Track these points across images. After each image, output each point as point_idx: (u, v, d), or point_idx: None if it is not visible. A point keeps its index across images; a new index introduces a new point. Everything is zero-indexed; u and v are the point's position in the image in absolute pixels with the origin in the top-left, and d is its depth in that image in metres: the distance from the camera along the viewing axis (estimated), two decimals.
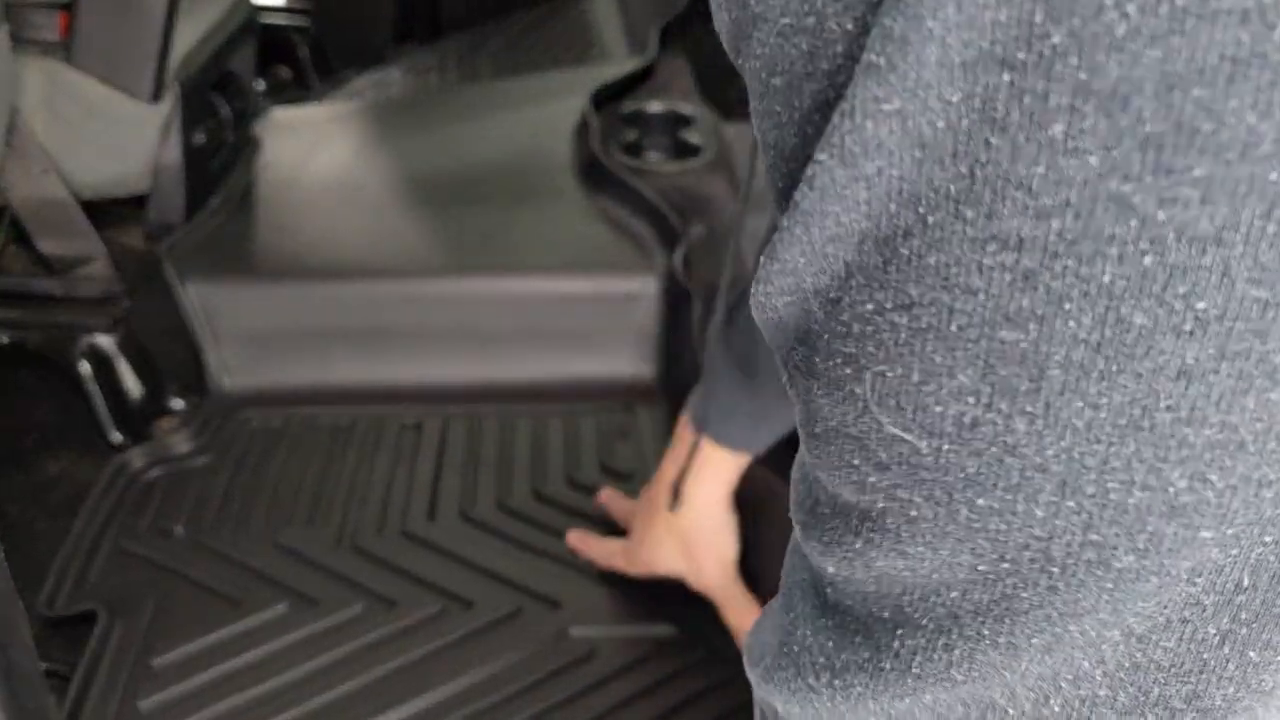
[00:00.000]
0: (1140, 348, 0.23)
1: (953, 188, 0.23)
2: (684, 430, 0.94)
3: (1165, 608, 0.26)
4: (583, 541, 1.05)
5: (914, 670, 0.29)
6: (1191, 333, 0.22)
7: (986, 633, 0.28)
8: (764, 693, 0.37)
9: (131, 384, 1.25)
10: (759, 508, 1.00)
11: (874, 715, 0.31)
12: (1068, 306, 0.23)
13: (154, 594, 1.01)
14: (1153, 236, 0.22)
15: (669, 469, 0.95)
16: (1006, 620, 0.27)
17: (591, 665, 0.94)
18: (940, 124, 0.23)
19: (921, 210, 0.24)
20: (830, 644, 0.32)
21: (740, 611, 0.94)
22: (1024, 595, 0.27)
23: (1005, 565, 0.27)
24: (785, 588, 0.36)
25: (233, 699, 0.91)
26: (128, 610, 0.99)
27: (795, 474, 0.34)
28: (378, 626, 0.97)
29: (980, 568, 0.27)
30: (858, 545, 0.29)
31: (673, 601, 1.00)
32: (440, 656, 0.94)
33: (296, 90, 2.20)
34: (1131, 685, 0.28)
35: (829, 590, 0.32)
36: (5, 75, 1.17)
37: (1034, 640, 0.27)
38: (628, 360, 1.31)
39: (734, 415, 0.88)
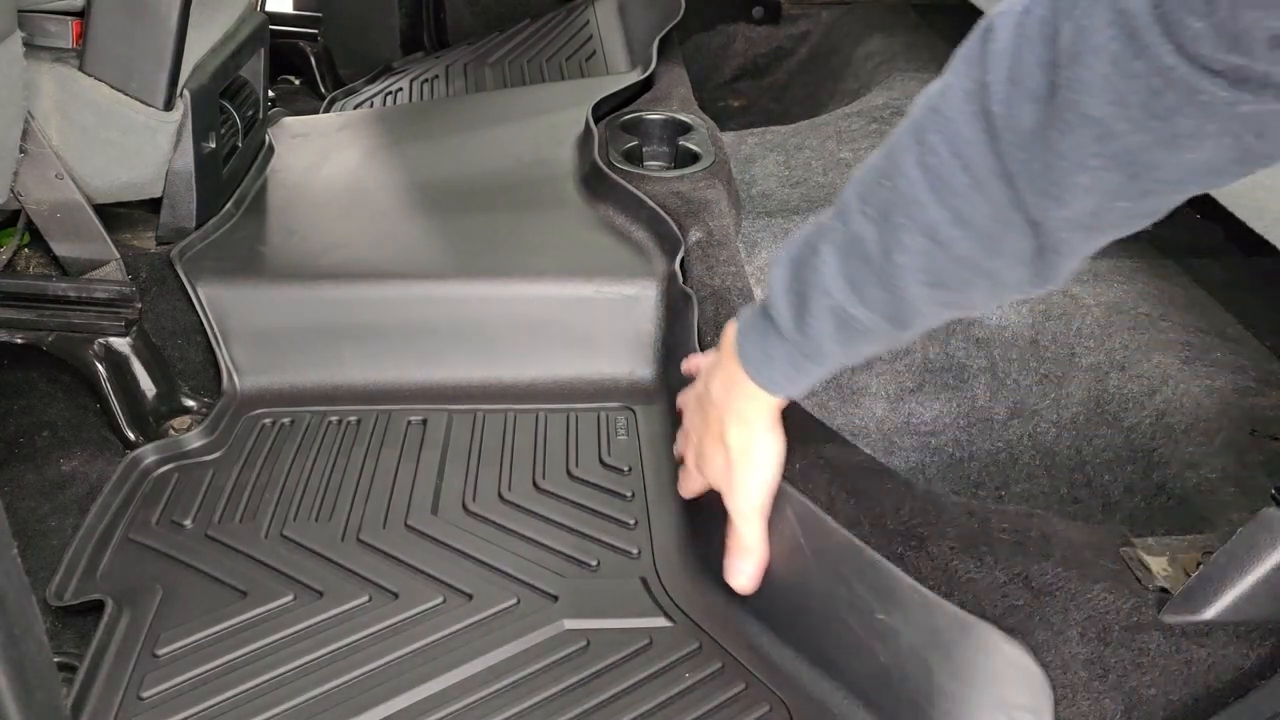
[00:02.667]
0: None
1: None
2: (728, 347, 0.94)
3: None
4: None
5: None
6: None
7: None
8: None
9: (145, 384, 1.28)
10: None
11: None
12: None
13: (162, 585, 1.03)
14: None
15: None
16: None
17: (587, 656, 0.96)
18: None
19: None
20: None
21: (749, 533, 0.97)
22: None
23: None
24: None
25: (237, 687, 0.93)
26: (135, 600, 1.01)
27: None
28: (381, 617, 0.99)
29: None
30: None
31: (666, 594, 1.03)
32: (440, 647, 0.97)
33: (306, 98, 2.23)
34: None
35: None
36: (19, 82, 1.20)
37: None
38: (628, 361, 1.34)
39: (774, 361, 0.88)
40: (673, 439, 1.23)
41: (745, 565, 0.97)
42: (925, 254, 0.73)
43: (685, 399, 1.04)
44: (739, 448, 0.94)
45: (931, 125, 0.70)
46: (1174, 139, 0.59)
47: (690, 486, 1.04)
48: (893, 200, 0.73)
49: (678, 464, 1.08)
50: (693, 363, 1.09)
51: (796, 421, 1.05)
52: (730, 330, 0.93)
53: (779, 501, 0.98)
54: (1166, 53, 0.55)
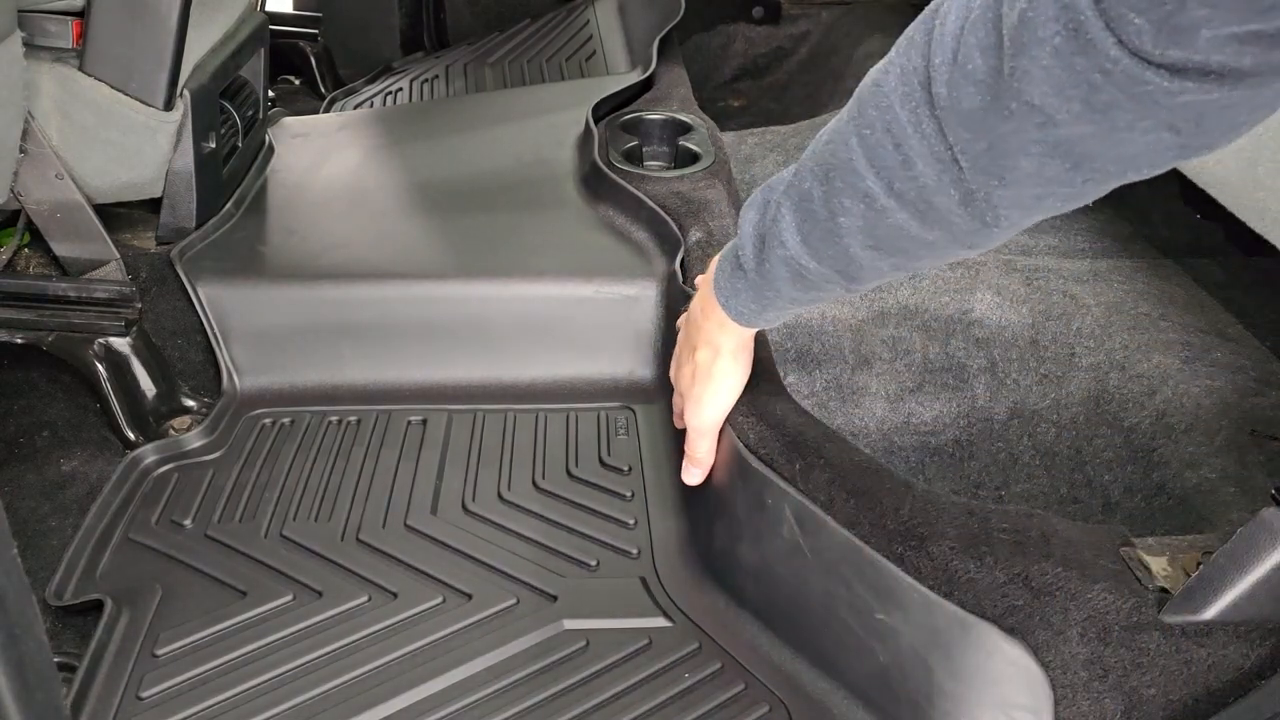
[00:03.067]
0: None
1: None
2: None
3: None
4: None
5: None
6: None
7: None
8: None
9: (145, 384, 1.28)
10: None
11: None
12: None
13: (162, 585, 1.03)
14: None
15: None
16: None
17: (586, 656, 0.96)
18: None
19: None
20: None
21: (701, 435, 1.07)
22: None
23: None
24: None
25: (237, 687, 0.93)
26: (135, 600, 1.01)
27: None
28: (380, 617, 0.99)
29: None
30: None
31: (666, 594, 1.03)
32: (440, 647, 0.97)
33: (306, 98, 2.23)
34: None
35: None
36: (19, 82, 1.20)
37: None
38: (628, 361, 1.34)
39: (739, 295, 0.95)
40: (673, 439, 1.23)
41: (694, 473, 1.09)
42: (864, 218, 0.77)
43: (680, 320, 1.14)
44: (704, 365, 1.04)
45: (871, 101, 0.73)
46: (1113, 131, 0.60)
47: (675, 402, 1.13)
48: (834, 165, 0.77)
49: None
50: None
51: (796, 421, 1.05)
52: (713, 262, 1.00)
53: (779, 501, 0.98)
54: (1110, 45, 0.56)
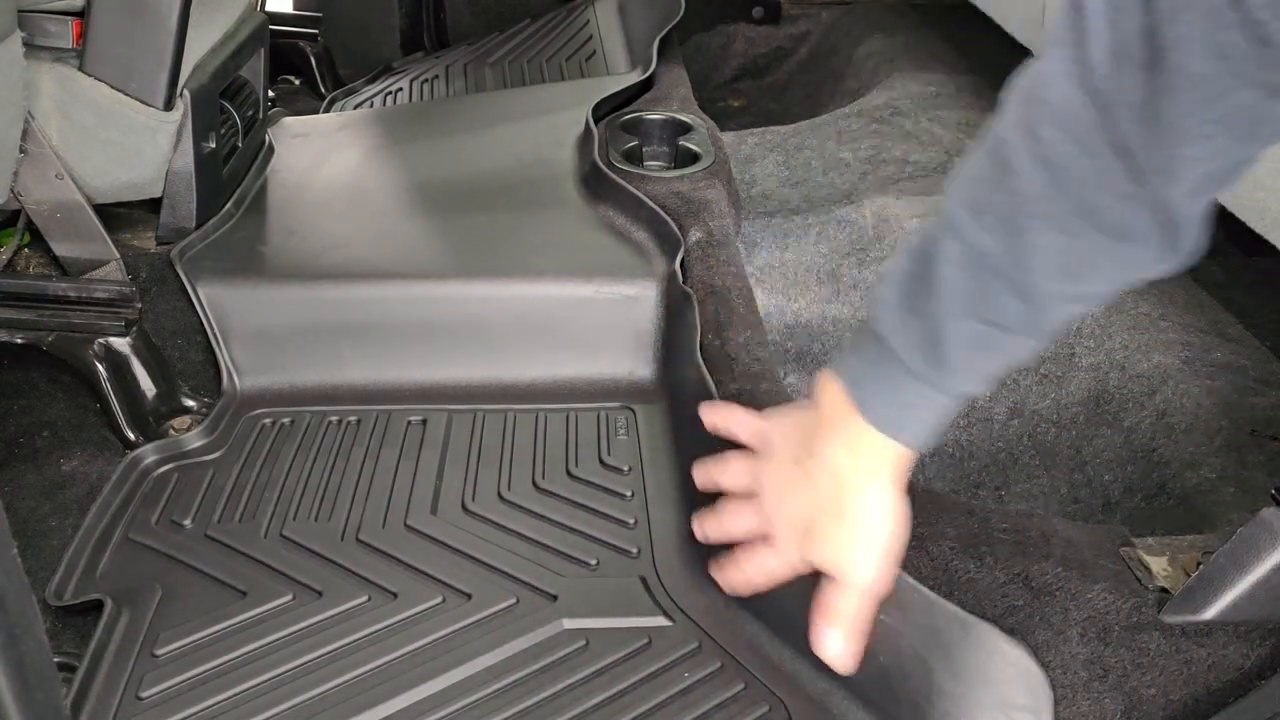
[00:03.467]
0: None
1: None
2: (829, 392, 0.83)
3: None
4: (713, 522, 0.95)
5: None
6: None
7: None
8: None
9: (145, 384, 1.28)
10: None
11: None
12: None
13: (162, 584, 1.03)
14: None
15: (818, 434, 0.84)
16: None
17: (586, 656, 0.96)
18: None
19: None
20: None
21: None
22: None
23: None
24: None
25: (237, 687, 0.93)
26: (135, 600, 1.01)
27: None
28: (380, 617, 0.99)
29: None
30: None
31: (666, 594, 1.03)
32: (440, 647, 0.97)
33: (306, 98, 2.23)
34: None
35: None
36: (19, 82, 1.20)
37: None
38: (628, 361, 1.34)
39: (910, 406, 0.79)
40: (673, 439, 1.23)
41: (840, 639, 0.87)
42: (1058, 251, 0.69)
43: (759, 474, 0.91)
44: (869, 515, 0.83)
45: (1040, 117, 0.68)
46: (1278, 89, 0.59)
47: (777, 572, 0.90)
48: (1013, 203, 0.70)
49: (710, 543, 0.97)
50: (749, 430, 0.96)
51: None
52: (831, 384, 0.82)
53: None
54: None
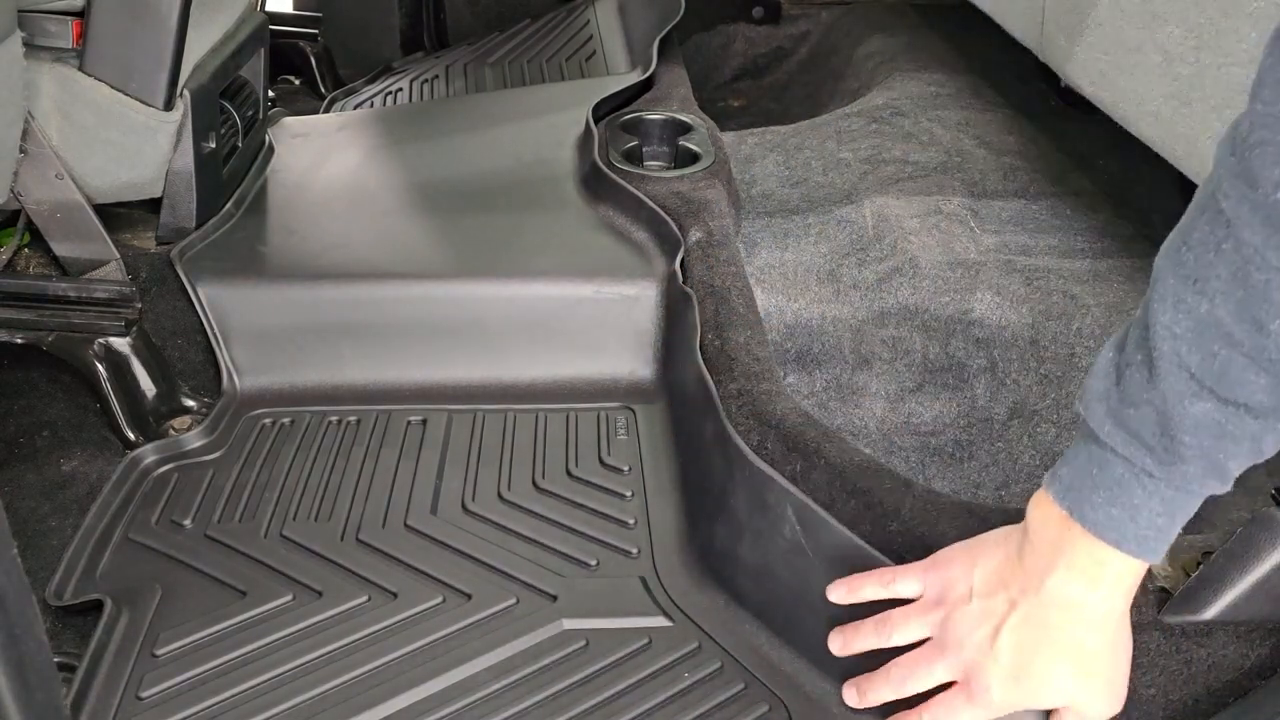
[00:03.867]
0: None
1: None
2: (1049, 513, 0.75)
3: None
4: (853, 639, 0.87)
5: None
6: None
7: None
8: None
9: (145, 384, 1.28)
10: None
11: None
12: None
13: (161, 584, 1.03)
14: None
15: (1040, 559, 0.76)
16: None
17: (586, 656, 0.96)
18: None
19: None
20: None
21: None
22: None
23: None
24: None
25: (236, 687, 0.93)
26: (135, 600, 1.01)
27: None
28: (380, 617, 0.99)
29: None
30: None
31: (666, 594, 1.03)
32: (440, 647, 0.97)
33: (306, 98, 2.23)
34: None
35: None
36: (19, 82, 1.20)
37: None
38: (628, 361, 1.34)
39: (1142, 513, 0.70)
40: (673, 439, 1.23)
41: None
42: None
43: (945, 624, 0.80)
44: (1103, 647, 0.76)
45: (1261, 160, 0.61)
46: None
47: None
48: (1240, 258, 0.62)
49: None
50: (904, 583, 0.85)
51: (796, 421, 1.05)
52: (1047, 506, 0.74)
53: (780, 501, 0.98)
54: None
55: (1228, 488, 0.69)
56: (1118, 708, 0.78)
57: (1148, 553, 0.72)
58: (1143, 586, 0.85)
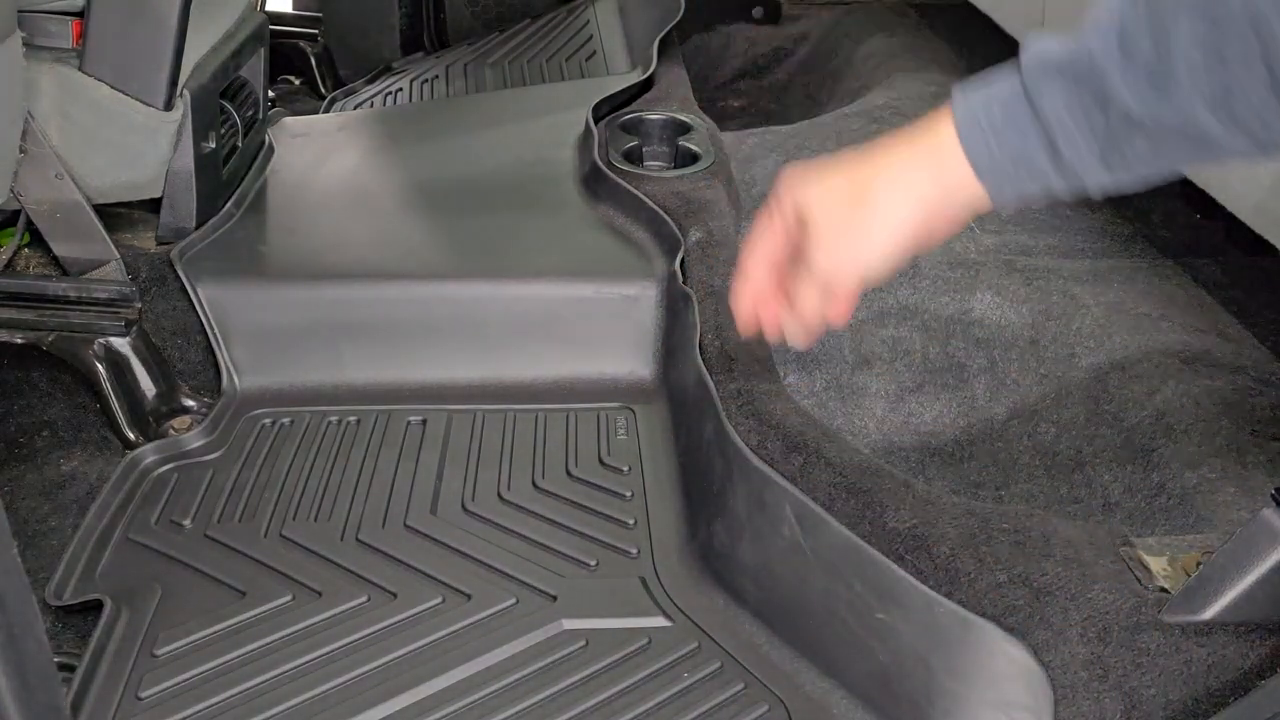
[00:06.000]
0: None
1: None
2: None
3: None
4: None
5: None
6: None
7: None
8: None
9: (145, 384, 1.28)
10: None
11: None
12: None
13: (161, 584, 1.03)
14: None
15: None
16: None
17: (586, 656, 0.96)
18: None
19: None
20: None
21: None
22: None
23: None
24: None
25: (236, 687, 0.93)
26: (134, 600, 1.01)
27: None
28: (379, 618, 0.99)
29: None
30: None
31: (665, 594, 1.03)
32: (439, 647, 0.97)
33: (306, 98, 2.23)
34: None
35: None
36: (19, 82, 1.20)
37: None
38: (628, 361, 1.34)
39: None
40: (673, 439, 1.23)
41: (799, 331, 0.83)
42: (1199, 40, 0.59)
43: (797, 196, 0.81)
44: (881, 214, 0.76)
45: None
46: None
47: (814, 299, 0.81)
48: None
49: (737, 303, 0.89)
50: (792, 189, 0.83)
51: (796, 421, 1.05)
52: (943, 118, 0.74)
53: (779, 501, 0.98)
54: None
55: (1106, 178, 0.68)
56: (844, 271, 0.78)
57: (996, 188, 0.72)
58: (1143, 587, 0.85)
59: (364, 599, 1.01)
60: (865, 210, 0.77)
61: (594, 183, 1.56)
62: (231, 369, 1.31)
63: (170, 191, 1.38)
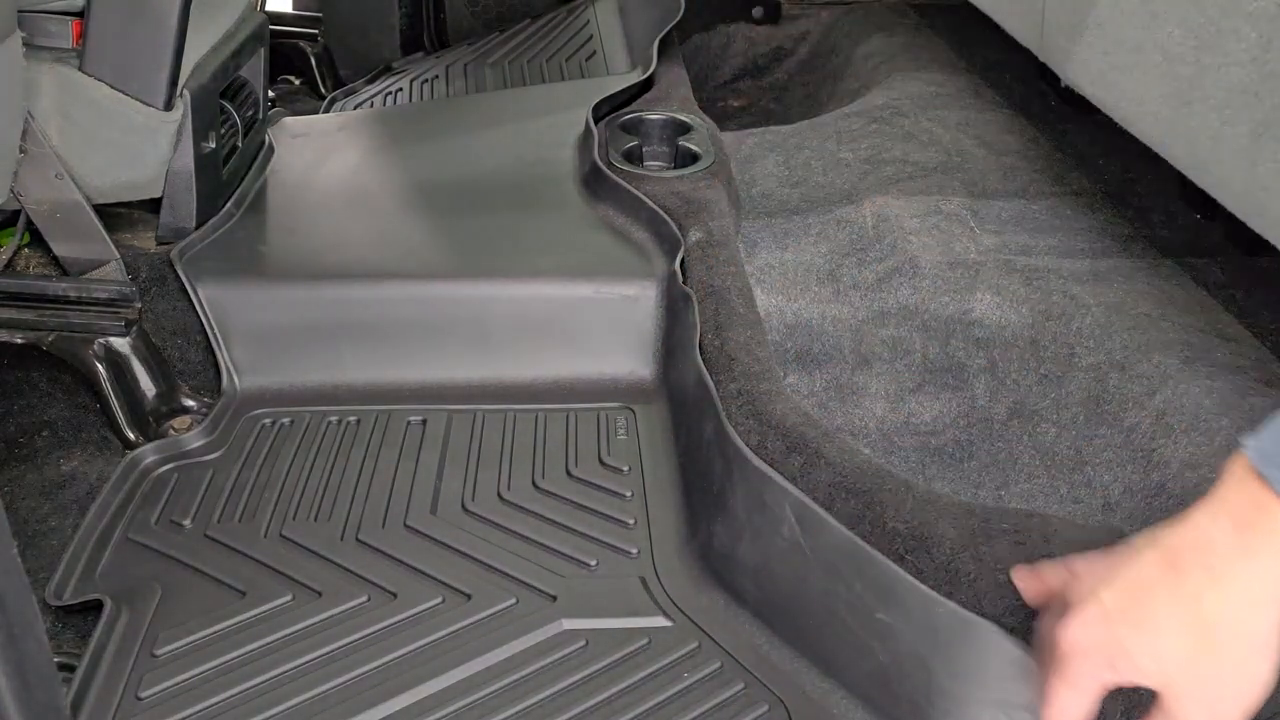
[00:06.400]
0: None
1: None
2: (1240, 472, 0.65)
3: None
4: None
5: None
6: None
7: None
8: None
9: (145, 384, 1.28)
10: None
11: None
12: None
13: (161, 584, 1.03)
14: None
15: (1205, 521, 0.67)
16: None
17: (586, 656, 0.96)
18: None
19: None
20: None
21: None
22: None
23: None
24: None
25: (236, 687, 0.93)
26: (134, 600, 1.01)
27: None
28: (379, 618, 0.99)
29: None
30: None
31: (665, 594, 1.03)
32: (439, 647, 0.97)
33: (306, 98, 2.24)
34: None
35: None
36: (19, 82, 1.20)
37: None
38: (628, 361, 1.34)
39: None
40: (673, 439, 1.23)
41: None
42: None
43: (1102, 630, 0.70)
44: (1248, 642, 0.65)
45: None
46: None
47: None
48: None
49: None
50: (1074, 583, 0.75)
51: (796, 421, 1.05)
52: (1240, 474, 0.64)
53: (779, 501, 0.98)
54: None
55: None
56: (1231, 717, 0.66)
57: None
58: None
59: (364, 599, 1.01)
60: (1230, 649, 0.66)
61: (594, 183, 1.56)
62: (231, 369, 1.31)
63: (170, 191, 1.38)
